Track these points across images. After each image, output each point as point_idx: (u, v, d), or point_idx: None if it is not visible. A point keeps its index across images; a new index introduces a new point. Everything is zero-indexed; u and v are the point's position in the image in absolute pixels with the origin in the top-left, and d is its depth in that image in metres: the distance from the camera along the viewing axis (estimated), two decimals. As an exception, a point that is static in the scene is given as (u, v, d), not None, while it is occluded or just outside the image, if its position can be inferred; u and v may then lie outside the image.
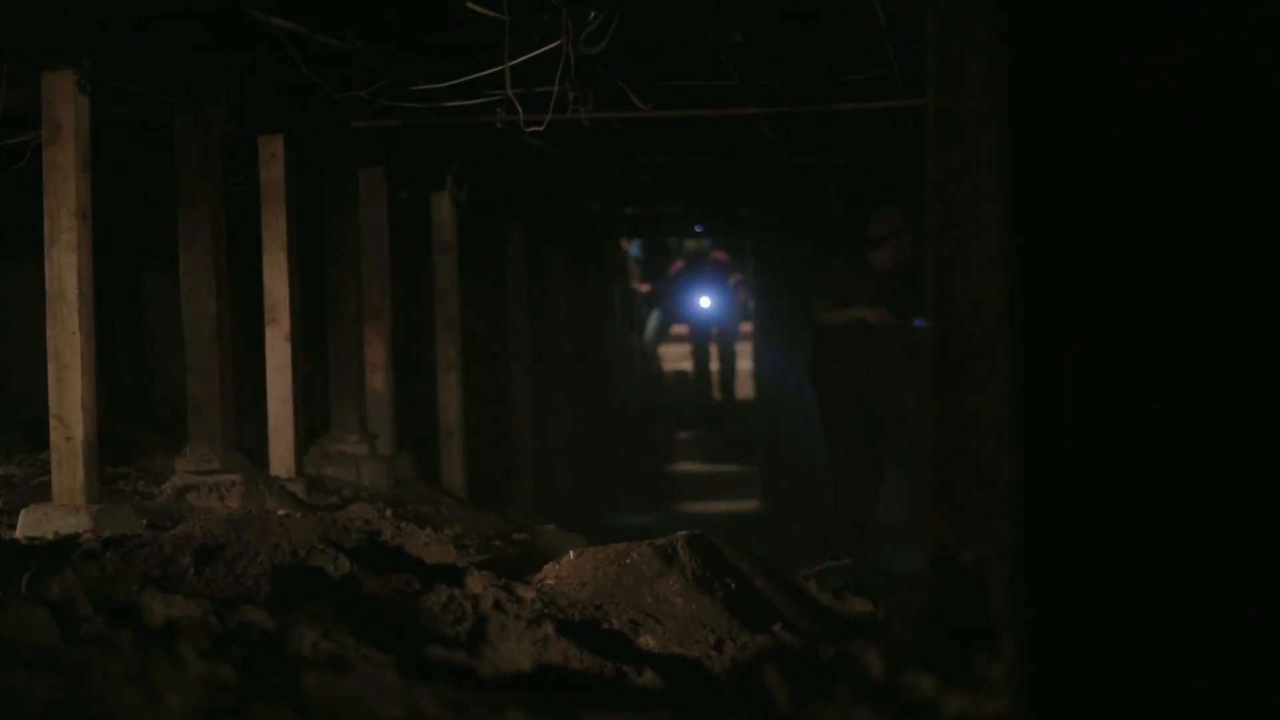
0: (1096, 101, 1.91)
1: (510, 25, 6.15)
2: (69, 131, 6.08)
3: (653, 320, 21.17)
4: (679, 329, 21.61)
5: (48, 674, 2.38)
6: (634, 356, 20.78)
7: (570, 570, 5.91)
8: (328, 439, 8.91)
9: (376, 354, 9.25)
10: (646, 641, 4.92)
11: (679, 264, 20.27)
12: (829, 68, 7.94)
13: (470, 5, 5.90)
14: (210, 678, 2.48)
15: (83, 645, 2.75)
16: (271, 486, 7.32)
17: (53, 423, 6.16)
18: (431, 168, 10.11)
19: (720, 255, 20.22)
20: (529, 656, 3.20)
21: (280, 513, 5.97)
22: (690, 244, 19.99)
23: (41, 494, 6.82)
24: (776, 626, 5.80)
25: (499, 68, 6.67)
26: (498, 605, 4.48)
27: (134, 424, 10.04)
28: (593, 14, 6.27)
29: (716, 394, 20.69)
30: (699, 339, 20.49)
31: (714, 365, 20.70)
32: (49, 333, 6.16)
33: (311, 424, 8.61)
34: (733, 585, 5.98)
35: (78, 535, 5.63)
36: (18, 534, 6.01)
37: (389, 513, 7.15)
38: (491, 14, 5.99)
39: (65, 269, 6.12)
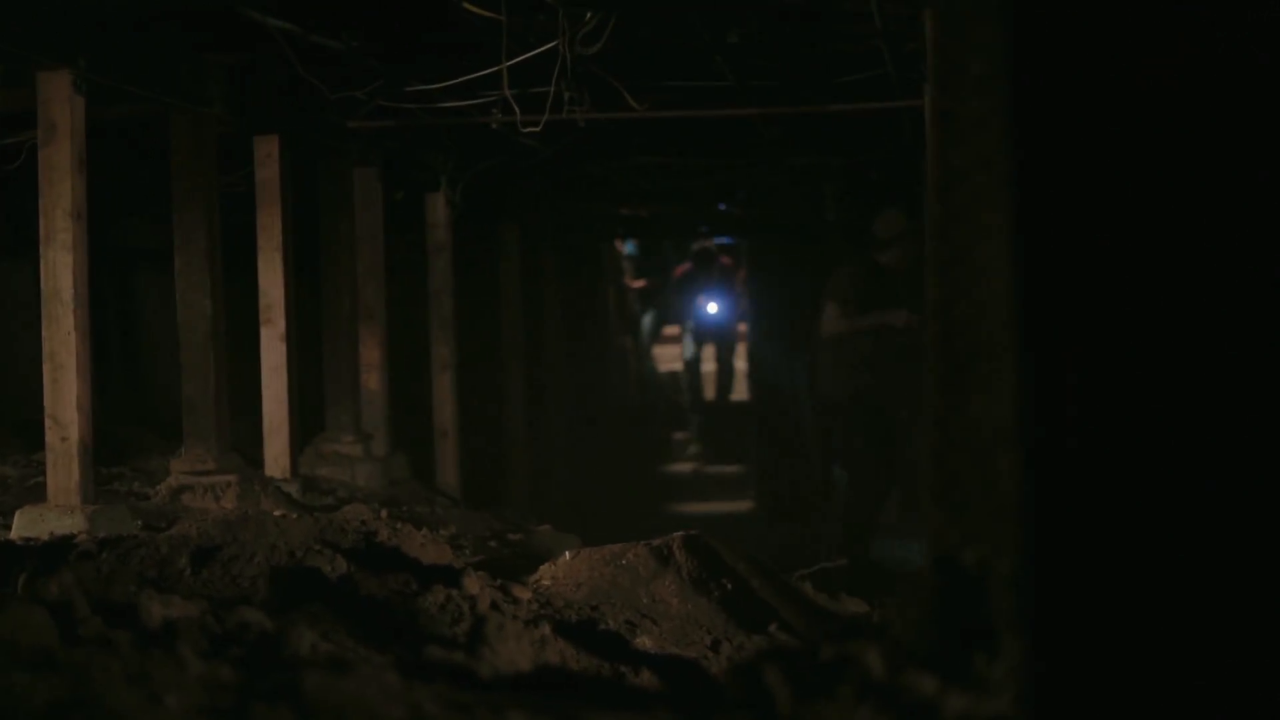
0: (1098, 101, 1.91)
1: (506, 26, 6.14)
2: (64, 131, 6.07)
3: (648, 320, 21.15)
4: (672, 329, 21.60)
5: (48, 674, 2.38)
6: (628, 357, 20.78)
7: (566, 571, 5.90)
8: (322, 439, 8.90)
9: (371, 354, 9.25)
10: (644, 642, 4.91)
11: (686, 266, 20.25)
12: (824, 69, 7.94)
13: (467, 6, 5.89)
14: (210, 678, 2.47)
15: (82, 646, 2.75)
16: (267, 487, 7.31)
17: (48, 423, 6.15)
18: (426, 168, 10.10)
19: (727, 260, 20.25)
20: (528, 657, 3.20)
21: (276, 513, 5.96)
22: (696, 246, 19.97)
23: (36, 495, 6.81)
24: (773, 627, 5.79)
25: (495, 68, 6.67)
26: (495, 606, 4.47)
27: (128, 424, 10.03)
28: (589, 14, 6.26)
29: (710, 394, 20.67)
30: (698, 339, 20.44)
31: (708, 366, 20.68)
32: (44, 333, 6.14)
33: (306, 424, 8.60)
34: (729, 586, 5.97)
35: (73, 536, 5.62)
36: (13, 535, 6.00)
37: (384, 513, 7.14)
38: (488, 14, 5.98)
39: (61, 269, 6.11)
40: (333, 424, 8.94)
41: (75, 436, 6.11)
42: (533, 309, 14.37)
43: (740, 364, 20.60)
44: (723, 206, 15.19)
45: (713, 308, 19.68)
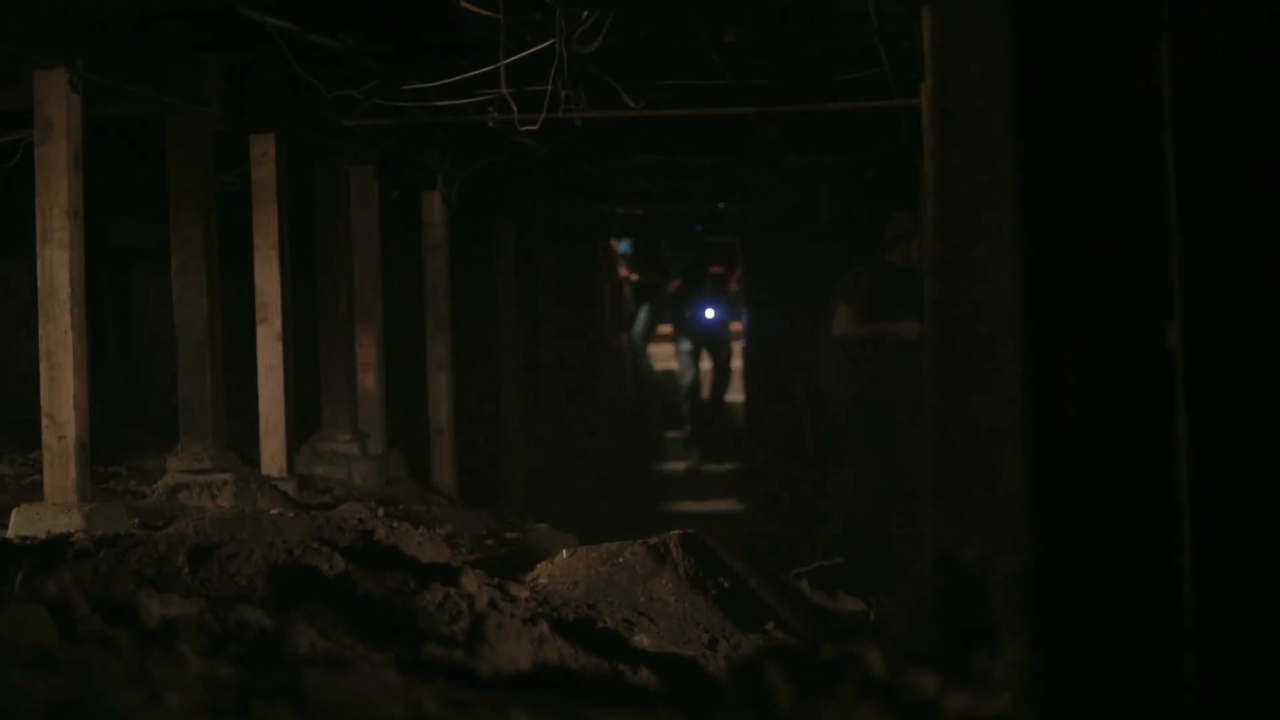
0: (1100, 100, 1.91)
1: (504, 25, 6.14)
2: (61, 130, 6.07)
3: (642, 315, 21.14)
4: (666, 328, 21.60)
5: (48, 673, 2.38)
6: (623, 355, 20.78)
7: (563, 569, 5.90)
8: (319, 438, 8.90)
9: (367, 353, 9.24)
10: (641, 641, 4.91)
11: (675, 283, 20.32)
12: (821, 68, 7.94)
13: (465, 5, 5.89)
14: (210, 677, 2.47)
15: (81, 645, 2.75)
16: (263, 486, 7.31)
17: (45, 422, 6.15)
18: (422, 167, 10.10)
19: (718, 269, 20.29)
20: (527, 655, 3.20)
21: (273, 512, 5.97)
22: (682, 266, 20.15)
23: (33, 493, 6.80)
24: (769, 625, 5.79)
25: (493, 66, 6.66)
26: (493, 604, 4.47)
27: (125, 423, 10.02)
28: (586, 13, 6.26)
29: (706, 394, 20.67)
30: (694, 345, 20.44)
31: (704, 364, 20.68)
32: (41, 332, 6.14)
33: (303, 423, 8.59)
34: (725, 584, 5.98)
35: (70, 534, 5.61)
36: (9, 533, 5.99)
37: (381, 512, 7.14)
38: (486, 13, 5.98)
39: (58, 268, 6.11)
40: (329, 423, 8.93)
41: (72, 435, 6.11)
42: (529, 307, 14.37)
43: (736, 364, 20.61)
44: (721, 205, 15.20)
45: (710, 314, 19.75)
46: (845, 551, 9.77)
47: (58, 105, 6.07)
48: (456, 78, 7.20)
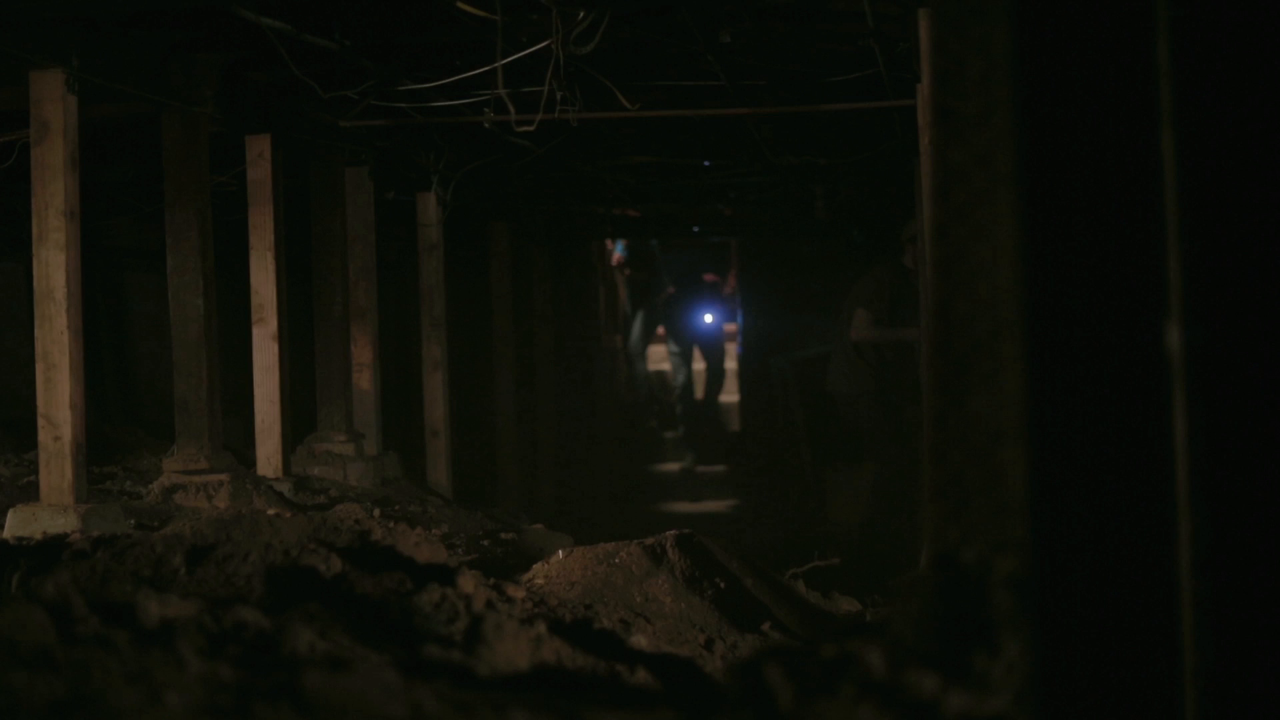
0: (1100, 98, 1.91)
1: (501, 25, 6.14)
2: (57, 130, 6.07)
3: (637, 324, 21.13)
4: (662, 329, 21.59)
5: (48, 673, 2.38)
6: (618, 355, 20.78)
7: (559, 570, 5.91)
8: (314, 438, 8.90)
9: (363, 353, 9.24)
10: (639, 641, 4.90)
11: (670, 290, 20.36)
12: (816, 68, 7.95)
13: (461, 5, 5.89)
14: (210, 677, 2.47)
15: (80, 645, 2.75)
16: (259, 486, 7.31)
17: (41, 422, 6.15)
18: (417, 168, 10.10)
19: (711, 276, 20.32)
20: (525, 656, 3.20)
21: (270, 512, 5.96)
22: (677, 267, 20.21)
23: (29, 494, 6.80)
24: (766, 626, 5.80)
25: (489, 67, 6.66)
26: (490, 605, 4.46)
27: (119, 423, 10.02)
28: (582, 14, 6.26)
29: (700, 395, 20.66)
30: (685, 343, 20.45)
31: (697, 365, 20.68)
32: (37, 332, 6.14)
33: (298, 423, 8.59)
34: (722, 584, 5.98)
35: (66, 535, 5.61)
36: (5, 534, 5.99)
37: (377, 512, 7.14)
38: (482, 14, 5.98)
39: (54, 268, 6.11)
40: (324, 423, 8.94)
41: (68, 436, 6.10)
42: (523, 308, 14.37)
43: (730, 365, 20.62)
44: (716, 206, 15.20)
45: (708, 319, 19.82)
46: (857, 547, 9.89)
47: (54, 105, 6.07)
48: (453, 79, 7.20)
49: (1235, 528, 1.82)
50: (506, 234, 13.25)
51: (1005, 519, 2.39)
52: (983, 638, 2.30)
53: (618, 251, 21.01)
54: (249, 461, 8.04)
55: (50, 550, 4.83)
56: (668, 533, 6.16)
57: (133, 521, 6.33)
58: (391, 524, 6.36)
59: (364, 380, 9.24)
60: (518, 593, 5.18)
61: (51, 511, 6.05)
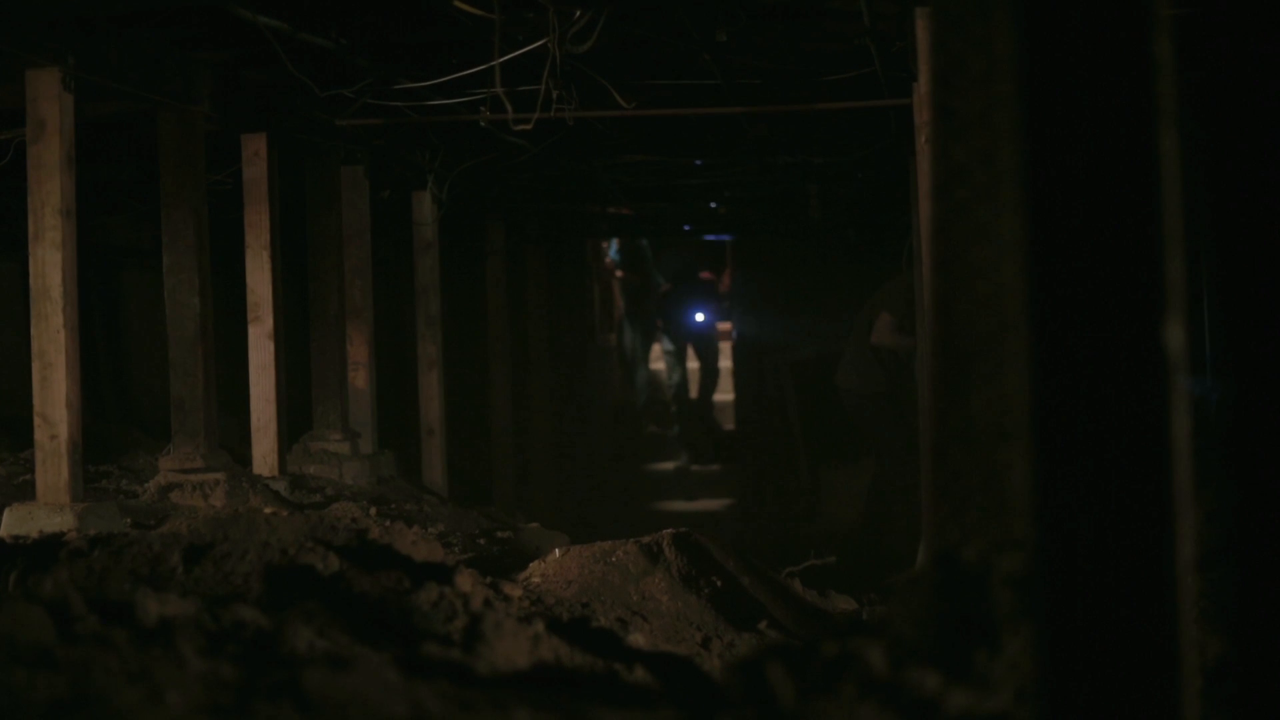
0: (1103, 96, 1.92)
1: (499, 24, 6.14)
2: (53, 129, 6.06)
3: (630, 335, 21.11)
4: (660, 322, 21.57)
5: (48, 672, 2.38)
6: (612, 354, 20.77)
7: (556, 568, 5.91)
8: (310, 437, 8.90)
9: (358, 352, 9.24)
10: (636, 640, 4.91)
11: (666, 288, 20.36)
12: (811, 67, 7.95)
13: (459, 4, 5.89)
14: (210, 675, 2.47)
15: (80, 644, 2.74)
16: (255, 485, 7.31)
17: (37, 421, 6.14)
18: (413, 166, 10.10)
19: (706, 275, 20.33)
20: (525, 654, 3.20)
21: (267, 511, 5.96)
22: (673, 264, 20.19)
23: (25, 492, 6.80)
24: (762, 624, 5.80)
25: (486, 65, 6.66)
26: (488, 604, 4.46)
27: (114, 422, 10.01)
28: (579, 12, 6.26)
29: (694, 394, 20.66)
30: (679, 341, 20.46)
31: (691, 364, 20.68)
32: (33, 331, 6.13)
33: (294, 422, 8.59)
34: (718, 583, 5.99)
35: (62, 534, 5.60)
36: (2, 532, 5.99)
37: (373, 511, 7.14)
38: (479, 13, 5.98)
39: (50, 267, 6.10)
40: (320, 422, 8.93)
41: (64, 434, 6.10)
42: (518, 306, 14.37)
43: (724, 364, 20.62)
44: (712, 205, 15.20)
45: (699, 317, 19.84)
46: (853, 546, 9.95)
47: (50, 104, 6.07)
48: (449, 77, 7.20)
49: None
50: (502, 233, 13.24)
51: (1006, 517, 2.39)
52: (983, 636, 2.30)
53: (611, 256, 21.01)
54: (245, 460, 8.04)
55: (47, 549, 4.82)
56: (664, 531, 6.16)
57: (129, 520, 6.33)
58: (388, 523, 6.36)
59: (359, 379, 9.24)
60: (515, 591, 5.19)
61: (48, 510, 6.04)
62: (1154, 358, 1.90)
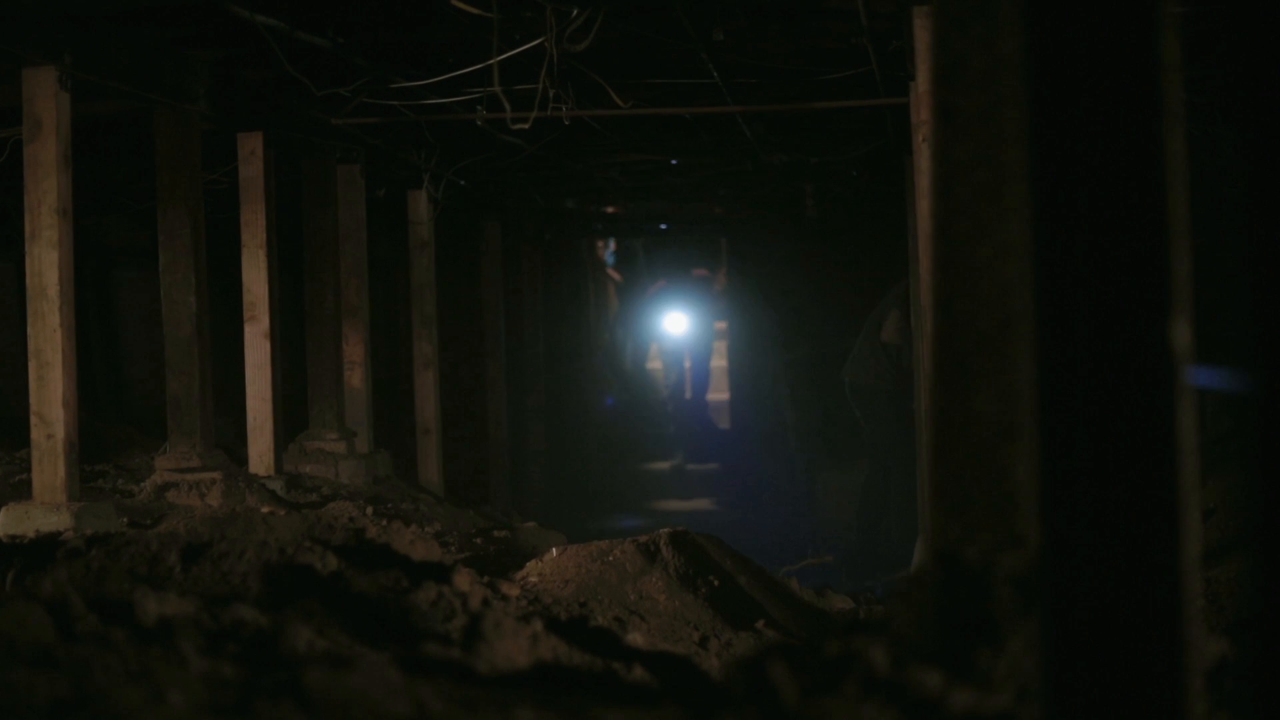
0: (1106, 93, 1.92)
1: (496, 23, 6.14)
2: (50, 128, 6.06)
3: (622, 337, 21.11)
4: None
5: (49, 672, 2.37)
6: (608, 353, 20.77)
7: (553, 567, 5.90)
8: (306, 436, 8.89)
9: (354, 351, 9.23)
10: (635, 639, 4.91)
11: (661, 284, 20.37)
12: (807, 66, 7.95)
13: (457, 4, 5.88)
14: (212, 675, 2.47)
15: (80, 643, 2.74)
16: (251, 484, 7.30)
17: (33, 420, 6.14)
18: (409, 165, 10.09)
19: (701, 272, 20.33)
20: (524, 654, 3.20)
21: (264, 510, 5.96)
22: (667, 265, 20.27)
23: (20, 491, 6.79)
24: (760, 624, 5.80)
25: (484, 64, 6.66)
26: (486, 603, 4.46)
27: (109, 421, 10.00)
28: (576, 11, 6.26)
29: (688, 394, 20.67)
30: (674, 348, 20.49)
31: (687, 364, 20.70)
32: (30, 330, 6.13)
33: (290, 421, 8.59)
34: (716, 582, 5.98)
35: (59, 533, 5.60)
36: (-3, 532, 5.99)
37: (370, 510, 7.14)
38: (477, 11, 5.97)
39: (46, 266, 6.10)
40: (316, 421, 8.93)
41: (61, 434, 6.09)
42: (514, 305, 14.37)
43: (718, 362, 20.63)
44: (707, 204, 15.21)
45: (676, 329, 19.88)
46: (848, 545, 9.98)
47: (46, 103, 6.06)
48: (446, 76, 7.19)
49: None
50: (497, 231, 13.24)
51: (1008, 515, 2.39)
52: (986, 635, 2.30)
53: (609, 262, 21.04)
54: (241, 459, 8.03)
55: (44, 548, 4.82)
56: (661, 530, 6.16)
57: (125, 520, 6.32)
58: (385, 522, 6.36)
59: (355, 378, 9.23)
60: (513, 590, 5.19)
61: (44, 509, 6.04)
62: (1160, 355, 1.90)
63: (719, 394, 20.52)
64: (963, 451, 2.40)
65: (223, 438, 8.08)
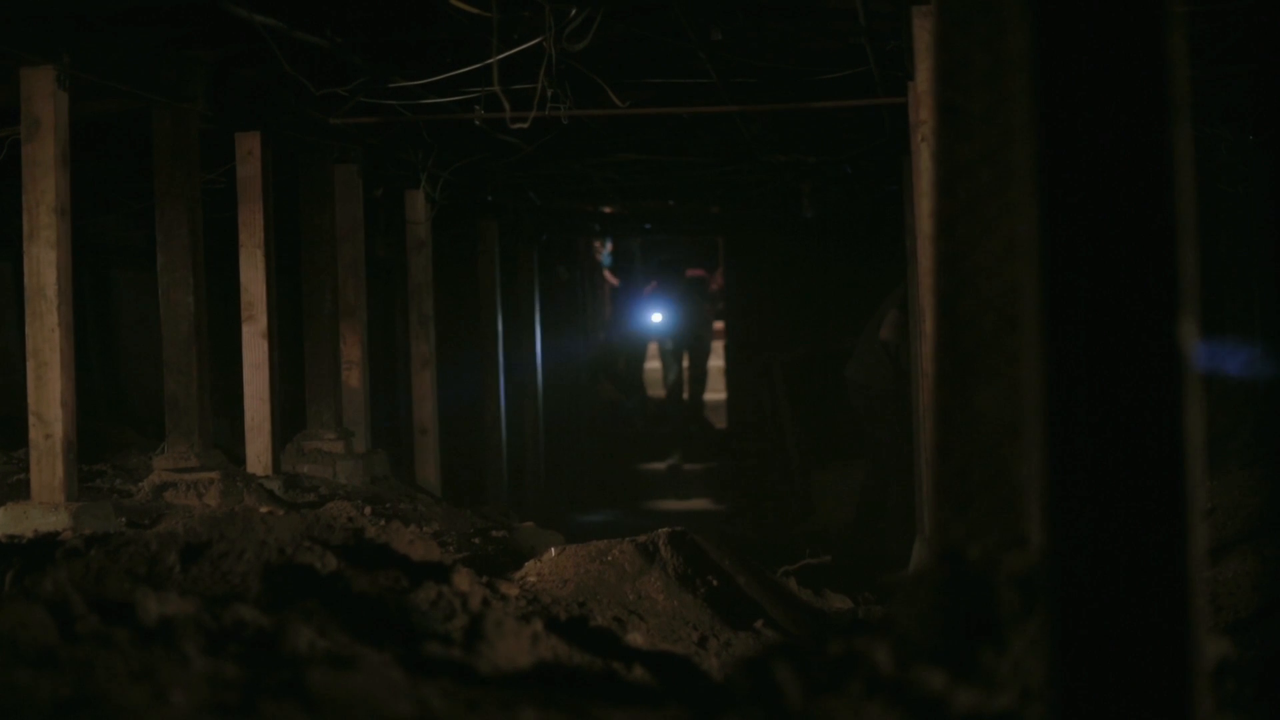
0: (1112, 91, 1.91)
1: (496, 22, 6.13)
2: (48, 127, 6.05)
3: (619, 337, 21.10)
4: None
5: (51, 672, 2.37)
6: (605, 353, 20.77)
7: (552, 567, 5.90)
8: (303, 436, 8.88)
9: (352, 351, 9.22)
10: (634, 639, 4.91)
11: (654, 285, 20.37)
12: (806, 66, 7.94)
13: (456, 3, 5.88)
14: (214, 675, 2.46)
15: (82, 643, 2.74)
16: (249, 484, 7.29)
17: (32, 420, 6.13)
18: (406, 165, 10.08)
19: (697, 272, 20.32)
20: (525, 653, 3.20)
21: (262, 510, 5.95)
22: (661, 262, 20.24)
23: (18, 491, 6.78)
24: (759, 624, 5.80)
25: (482, 63, 6.66)
26: (486, 603, 4.46)
27: (107, 421, 10.00)
28: (574, 10, 6.25)
29: (685, 394, 20.66)
30: (675, 340, 20.47)
31: (686, 363, 20.68)
32: (28, 330, 6.12)
33: (288, 421, 8.58)
34: (714, 582, 5.98)
35: (58, 533, 5.60)
36: (-4, 532, 5.98)
37: (368, 510, 7.13)
38: (476, 11, 5.97)
39: (44, 266, 6.09)
40: (314, 421, 8.92)
41: (59, 433, 6.09)
42: (511, 305, 14.36)
43: (717, 363, 20.62)
44: (705, 204, 15.21)
45: (656, 317, 19.84)
46: (846, 545, 9.99)
47: (45, 102, 6.06)
48: (444, 75, 7.19)
49: None
50: (495, 231, 13.24)
51: (1012, 515, 2.39)
52: (989, 635, 2.30)
53: (605, 264, 21.03)
54: (239, 459, 8.02)
55: (43, 548, 4.81)
56: (660, 530, 6.16)
57: (124, 519, 6.32)
58: (384, 522, 6.35)
59: (353, 378, 9.22)
60: (512, 590, 5.18)
61: (43, 509, 6.03)
62: (1167, 353, 1.90)
63: (716, 394, 20.51)
64: (965, 450, 2.40)
65: (220, 438, 8.08)
